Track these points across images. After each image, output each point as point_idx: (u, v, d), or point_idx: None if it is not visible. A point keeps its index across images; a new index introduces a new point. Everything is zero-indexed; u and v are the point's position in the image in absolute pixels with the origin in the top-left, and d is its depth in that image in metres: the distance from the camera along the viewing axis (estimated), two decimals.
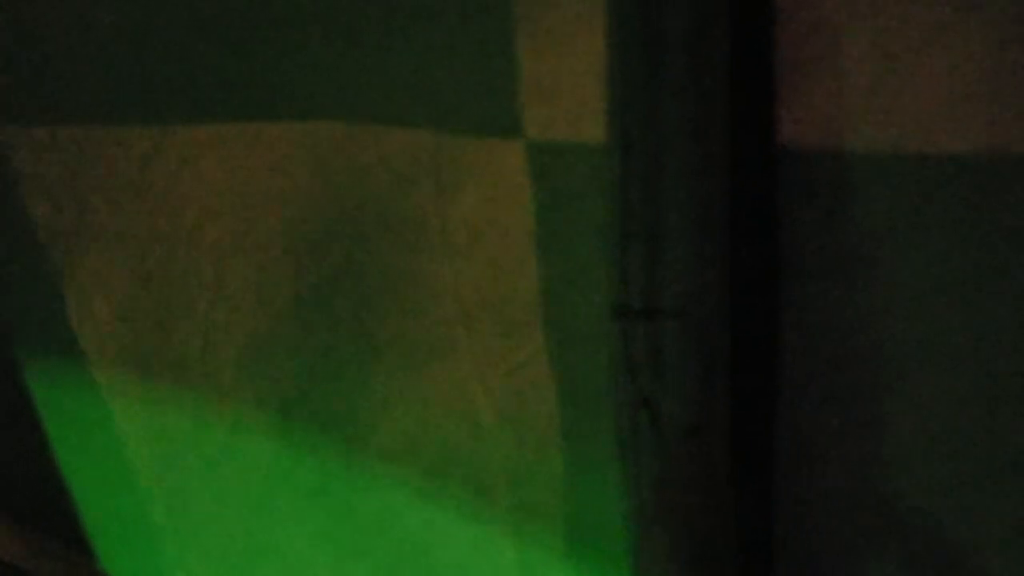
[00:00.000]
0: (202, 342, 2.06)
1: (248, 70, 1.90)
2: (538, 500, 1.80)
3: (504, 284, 1.77)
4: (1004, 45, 1.38)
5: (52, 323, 2.24)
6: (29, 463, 2.38)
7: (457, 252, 1.79)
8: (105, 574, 2.35)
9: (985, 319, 1.47)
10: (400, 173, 1.82)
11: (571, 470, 1.77)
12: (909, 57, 1.43)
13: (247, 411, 2.06)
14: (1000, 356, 1.47)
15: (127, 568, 2.32)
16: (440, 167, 1.78)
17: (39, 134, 2.13)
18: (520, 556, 1.84)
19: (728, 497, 1.60)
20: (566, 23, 1.63)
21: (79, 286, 2.19)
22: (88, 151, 2.09)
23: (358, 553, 2.02)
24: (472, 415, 1.83)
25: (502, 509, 1.84)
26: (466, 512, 1.87)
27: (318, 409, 1.99)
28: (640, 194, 1.54)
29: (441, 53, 1.73)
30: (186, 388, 2.11)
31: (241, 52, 1.90)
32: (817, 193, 1.51)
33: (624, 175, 1.55)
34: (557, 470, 1.78)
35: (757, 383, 1.60)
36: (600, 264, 1.63)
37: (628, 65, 1.51)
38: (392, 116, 1.81)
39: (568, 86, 1.65)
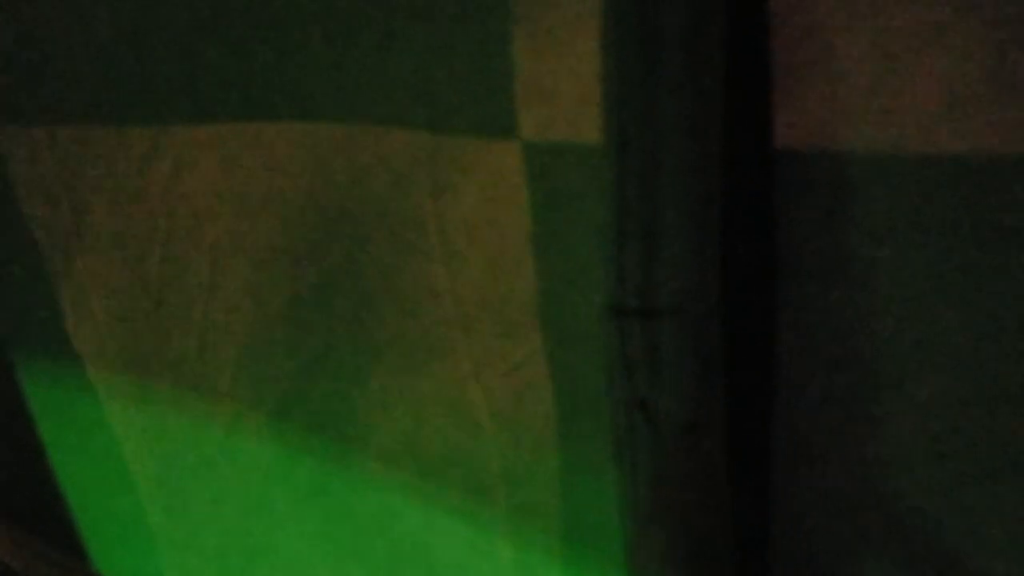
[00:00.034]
0: (199, 343, 2.07)
1: (246, 71, 1.91)
2: (535, 499, 1.80)
3: (501, 284, 1.77)
4: (1002, 46, 1.39)
5: (48, 324, 2.24)
6: (25, 465, 2.38)
7: (454, 252, 1.80)
8: None
9: (983, 319, 1.47)
10: (397, 173, 1.82)
11: (568, 469, 1.77)
12: (907, 57, 1.43)
13: (245, 412, 2.06)
14: (998, 356, 1.47)
15: (123, 570, 2.32)
16: (437, 167, 1.79)
17: (37, 134, 2.13)
18: (518, 555, 1.84)
19: (725, 496, 1.60)
20: (562, 24, 1.63)
21: (76, 287, 2.19)
22: (86, 151, 2.09)
23: (356, 553, 2.02)
24: (469, 415, 1.84)
25: (499, 509, 1.84)
26: (463, 512, 1.87)
27: (316, 410, 2.00)
28: (637, 193, 1.54)
29: (438, 54, 1.74)
30: (183, 389, 2.11)
31: (239, 53, 1.91)
32: (814, 192, 1.51)
33: (621, 174, 1.55)
34: (554, 469, 1.78)
35: (754, 382, 1.60)
36: (597, 264, 1.64)
37: (624, 64, 1.51)
38: (389, 116, 1.81)
39: (564, 86, 1.65)
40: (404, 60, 1.76)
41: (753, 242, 1.54)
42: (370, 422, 1.93)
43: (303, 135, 1.88)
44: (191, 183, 2.00)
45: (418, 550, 1.94)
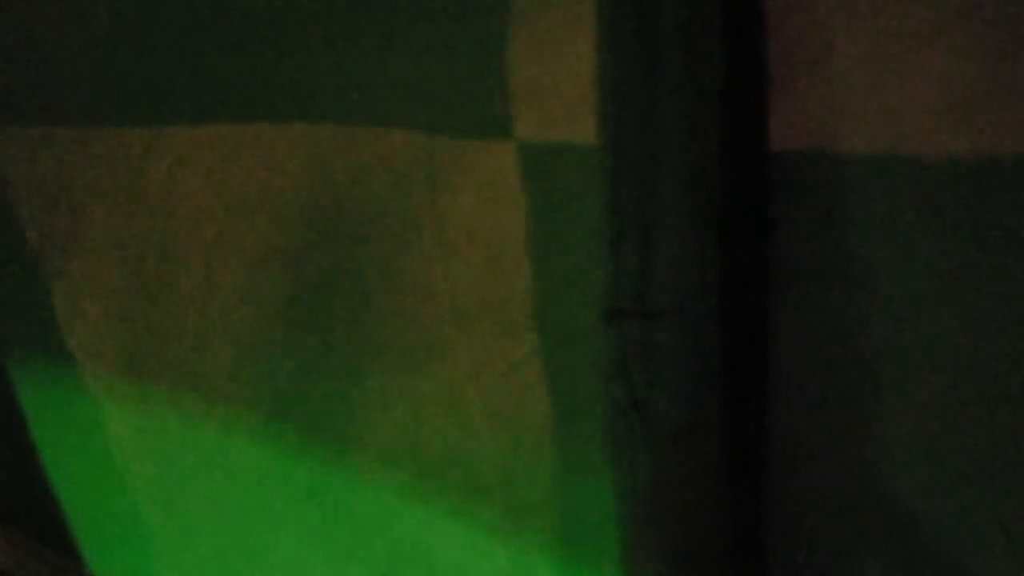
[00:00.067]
0: (196, 343, 2.06)
1: (243, 71, 1.90)
2: (533, 499, 1.80)
3: (498, 285, 1.77)
4: (1000, 47, 1.39)
5: (44, 324, 2.23)
6: (19, 466, 2.38)
7: (451, 253, 1.80)
8: None
9: (980, 320, 1.47)
10: (395, 174, 1.82)
11: (565, 470, 1.77)
12: (906, 58, 1.43)
13: (240, 412, 2.06)
14: (995, 357, 1.47)
15: (119, 571, 2.32)
16: (434, 168, 1.78)
17: (33, 134, 2.13)
18: (514, 556, 1.84)
19: (721, 497, 1.60)
20: (559, 25, 1.63)
21: (72, 287, 2.18)
22: (84, 152, 2.09)
23: (351, 554, 2.02)
24: (465, 416, 1.83)
25: (497, 509, 1.84)
26: (460, 512, 1.87)
27: (312, 410, 1.99)
28: (634, 194, 1.54)
29: (436, 55, 1.74)
30: (180, 389, 2.10)
31: (235, 53, 1.90)
32: (812, 194, 1.51)
33: (618, 175, 1.55)
34: (552, 470, 1.78)
35: (750, 383, 1.60)
36: (593, 265, 1.64)
37: (622, 64, 1.51)
38: (387, 117, 1.81)
39: (561, 87, 1.65)
40: (402, 61, 1.76)
41: (751, 243, 1.54)
42: (367, 422, 1.93)
43: (300, 135, 1.88)
44: (188, 183, 2.00)
45: (416, 550, 1.94)
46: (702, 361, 1.56)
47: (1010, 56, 1.38)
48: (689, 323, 1.54)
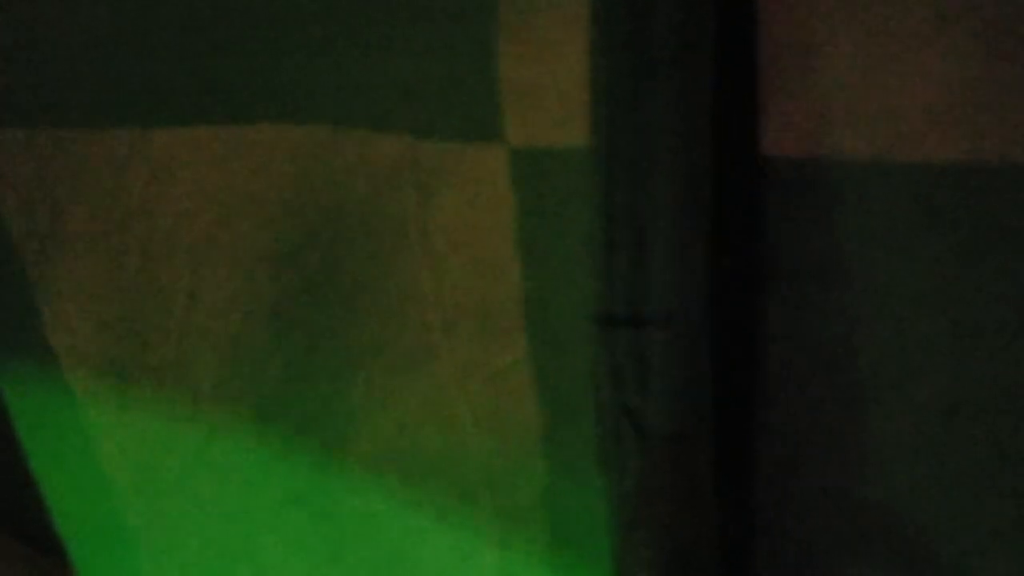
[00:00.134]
0: (179, 347, 2.05)
1: (228, 73, 1.89)
2: (519, 507, 1.80)
3: (486, 290, 1.76)
4: (991, 52, 1.38)
5: (25, 327, 2.22)
6: (2, 469, 2.37)
7: (438, 258, 1.79)
8: None
9: (970, 326, 1.47)
10: (381, 178, 1.81)
11: (553, 477, 1.77)
12: (896, 64, 1.43)
13: (224, 416, 2.05)
14: (984, 363, 1.47)
15: (103, 575, 2.31)
16: (421, 172, 1.78)
17: (14, 135, 2.12)
18: (501, 563, 1.84)
19: (711, 505, 1.60)
20: (550, 29, 1.62)
21: (53, 290, 2.17)
22: (64, 154, 2.07)
23: (337, 559, 2.01)
24: (453, 421, 1.83)
25: (483, 515, 1.83)
26: (446, 518, 1.86)
27: (297, 415, 1.98)
28: (625, 200, 1.53)
29: (424, 58, 1.73)
30: (163, 393, 2.09)
31: (221, 55, 1.89)
32: (803, 200, 1.51)
33: (608, 181, 1.55)
34: (539, 477, 1.78)
35: (741, 391, 1.60)
36: (584, 270, 1.63)
37: (614, 68, 1.51)
38: (373, 120, 1.80)
39: (552, 91, 1.64)
40: (389, 64, 1.75)
41: (744, 248, 1.54)
42: (354, 427, 1.92)
43: (287, 138, 1.87)
44: (172, 186, 1.99)
45: (403, 556, 1.93)
46: (694, 367, 1.55)
47: (1001, 62, 1.38)
48: (681, 329, 1.54)
